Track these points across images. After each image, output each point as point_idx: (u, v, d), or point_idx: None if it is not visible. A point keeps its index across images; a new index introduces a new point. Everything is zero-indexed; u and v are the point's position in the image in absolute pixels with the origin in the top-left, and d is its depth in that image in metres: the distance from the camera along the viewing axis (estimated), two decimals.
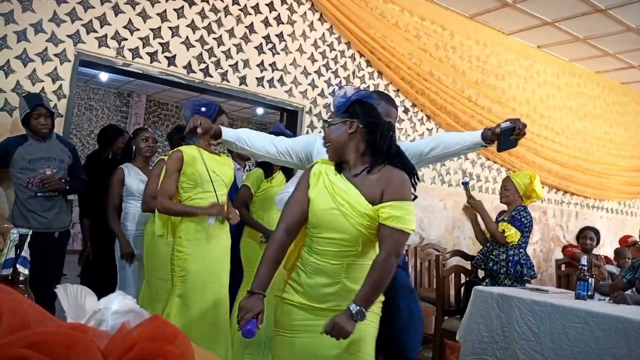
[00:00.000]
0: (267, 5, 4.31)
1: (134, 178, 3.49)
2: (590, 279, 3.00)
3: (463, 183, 3.75)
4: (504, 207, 3.90)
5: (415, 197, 1.79)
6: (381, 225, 1.69)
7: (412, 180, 1.78)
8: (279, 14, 4.38)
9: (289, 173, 3.47)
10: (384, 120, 1.82)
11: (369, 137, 1.77)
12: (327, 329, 1.65)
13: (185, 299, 2.68)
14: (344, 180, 1.76)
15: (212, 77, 4.02)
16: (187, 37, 3.90)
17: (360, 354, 1.76)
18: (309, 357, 1.77)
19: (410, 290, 2.53)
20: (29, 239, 1.15)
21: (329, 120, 1.84)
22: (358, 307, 1.65)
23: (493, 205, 4.54)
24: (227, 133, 2.26)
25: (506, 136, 2.11)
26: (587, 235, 5.08)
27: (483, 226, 3.74)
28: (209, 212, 2.73)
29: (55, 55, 3.41)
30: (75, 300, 0.80)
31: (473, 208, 3.68)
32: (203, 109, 2.78)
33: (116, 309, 0.76)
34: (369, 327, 1.80)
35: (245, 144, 2.26)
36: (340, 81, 4.73)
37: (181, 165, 2.76)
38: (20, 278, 1.10)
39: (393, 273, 1.72)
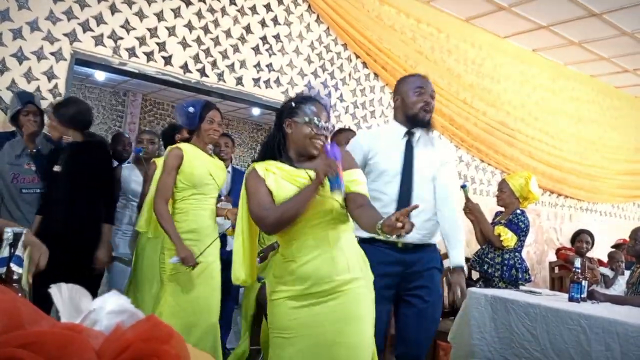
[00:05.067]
0: (264, 6, 4.31)
1: (129, 179, 3.53)
2: (583, 282, 3.01)
3: (461, 186, 3.75)
4: (499, 207, 3.91)
5: None
6: (351, 194, 1.83)
7: None
8: (276, 15, 4.38)
9: None
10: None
11: None
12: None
13: (177, 298, 2.65)
14: (296, 168, 1.87)
15: (208, 77, 4.02)
16: (183, 37, 3.90)
17: (362, 337, 1.80)
18: (313, 353, 1.77)
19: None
20: (23, 237, 1.15)
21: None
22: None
23: (488, 207, 4.55)
24: None
25: None
26: (583, 239, 5.09)
27: None
28: (179, 253, 2.56)
29: (51, 53, 3.40)
30: (70, 300, 0.80)
31: (470, 211, 3.69)
32: (191, 109, 2.78)
33: (111, 309, 0.76)
34: (369, 308, 1.86)
35: None
36: (337, 82, 4.74)
37: (180, 163, 2.70)
38: (14, 277, 1.10)
39: None
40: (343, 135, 3.30)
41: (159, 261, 2.77)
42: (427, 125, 2.45)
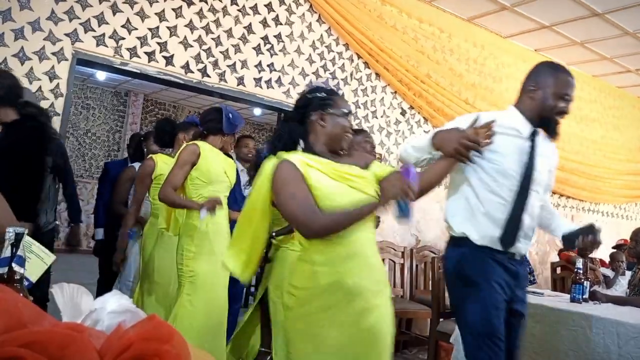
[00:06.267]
0: (265, 5, 4.31)
1: None
2: (585, 283, 3.01)
3: None
4: None
5: None
6: (388, 176, 1.69)
7: None
8: (277, 14, 4.38)
9: None
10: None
11: None
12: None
13: (193, 300, 2.67)
14: (332, 161, 1.72)
15: (209, 77, 4.02)
16: (185, 37, 3.90)
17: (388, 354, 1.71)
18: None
19: None
20: (25, 237, 1.15)
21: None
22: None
23: None
24: None
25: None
26: None
27: None
28: (205, 204, 2.64)
29: (53, 53, 3.40)
30: (71, 299, 0.80)
31: None
32: (231, 115, 2.86)
33: (112, 308, 0.76)
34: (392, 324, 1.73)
35: None
36: (338, 82, 4.73)
37: (196, 160, 2.74)
38: (16, 277, 1.10)
39: None
40: (361, 137, 3.14)
41: (176, 263, 2.78)
42: (555, 134, 2.19)
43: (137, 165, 3.69)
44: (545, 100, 2.09)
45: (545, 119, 2.12)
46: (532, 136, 2.11)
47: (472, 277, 2.02)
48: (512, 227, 2.03)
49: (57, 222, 3.17)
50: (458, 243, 2.08)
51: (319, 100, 1.76)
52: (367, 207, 1.56)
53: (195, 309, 2.66)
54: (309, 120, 1.75)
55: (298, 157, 1.66)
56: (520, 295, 2.12)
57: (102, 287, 3.82)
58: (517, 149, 2.07)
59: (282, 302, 1.69)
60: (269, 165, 1.68)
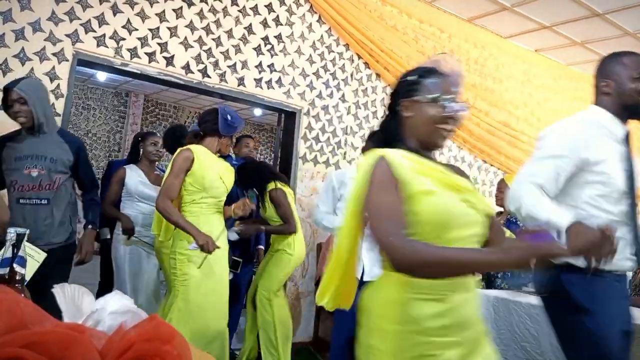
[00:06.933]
0: (265, 6, 4.31)
1: (135, 180, 3.50)
2: None
3: None
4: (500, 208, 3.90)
5: None
6: (517, 240, 1.40)
7: None
8: (278, 15, 4.38)
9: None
10: None
11: None
12: None
13: (187, 304, 2.63)
14: (446, 167, 1.41)
15: (210, 77, 4.02)
16: (185, 37, 3.90)
17: None
18: None
19: None
20: (26, 238, 1.15)
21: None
22: None
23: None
24: None
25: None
26: None
27: None
28: (198, 240, 2.56)
29: (54, 54, 3.40)
30: (73, 300, 0.80)
31: None
32: (229, 117, 2.81)
33: (113, 309, 0.76)
34: None
35: None
36: (339, 83, 4.74)
37: (190, 166, 2.69)
38: (17, 277, 1.10)
39: None
40: None
41: (169, 266, 2.75)
42: None
43: (128, 167, 3.60)
44: (622, 87, 1.92)
45: (630, 107, 1.90)
46: (626, 139, 1.89)
47: (584, 302, 1.76)
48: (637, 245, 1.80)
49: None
50: (555, 267, 1.76)
51: (406, 85, 1.43)
52: (486, 255, 1.22)
53: (189, 313, 2.61)
54: (398, 110, 1.44)
55: (400, 156, 1.33)
56: (628, 314, 1.87)
57: (104, 288, 3.81)
58: (617, 154, 1.82)
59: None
60: (366, 161, 1.35)
